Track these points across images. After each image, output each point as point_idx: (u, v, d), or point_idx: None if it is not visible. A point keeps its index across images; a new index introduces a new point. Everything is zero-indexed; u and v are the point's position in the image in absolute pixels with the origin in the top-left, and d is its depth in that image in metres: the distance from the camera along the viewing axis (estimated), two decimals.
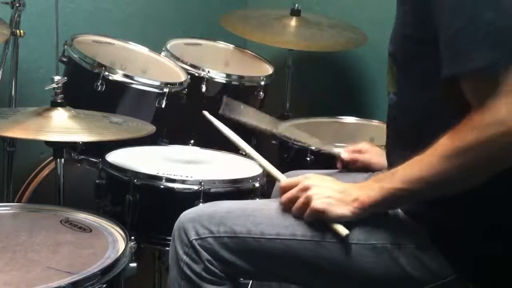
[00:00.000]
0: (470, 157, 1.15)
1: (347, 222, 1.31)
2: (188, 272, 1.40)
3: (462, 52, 1.13)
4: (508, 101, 1.11)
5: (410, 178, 1.22)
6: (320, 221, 1.32)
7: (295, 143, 2.24)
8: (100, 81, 2.10)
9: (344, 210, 1.29)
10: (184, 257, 1.40)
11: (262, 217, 1.40)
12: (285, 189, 1.39)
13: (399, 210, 1.34)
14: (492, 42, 1.11)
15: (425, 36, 1.22)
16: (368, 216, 1.30)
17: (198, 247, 1.39)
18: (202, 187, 1.81)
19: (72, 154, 2.12)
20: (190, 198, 1.80)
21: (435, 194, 1.25)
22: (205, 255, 1.39)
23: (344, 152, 1.74)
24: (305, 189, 1.34)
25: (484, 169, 1.17)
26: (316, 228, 1.35)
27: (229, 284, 1.41)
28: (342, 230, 1.31)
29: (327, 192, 1.32)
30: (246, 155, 1.63)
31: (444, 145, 1.18)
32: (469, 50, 1.12)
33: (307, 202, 1.32)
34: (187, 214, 1.45)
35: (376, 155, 1.69)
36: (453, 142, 1.16)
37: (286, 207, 1.38)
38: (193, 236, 1.40)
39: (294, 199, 1.36)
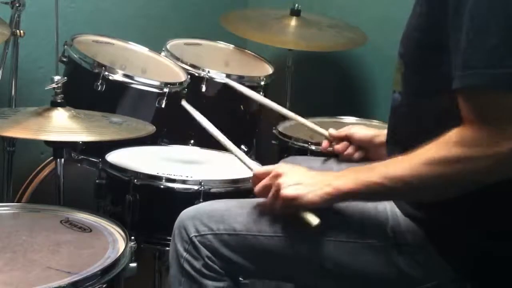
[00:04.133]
0: (452, 169, 1.16)
1: (320, 210, 1.31)
2: (188, 268, 1.41)
3: (472, 66, 1.12)
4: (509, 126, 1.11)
5: (389, 175, 1.21)
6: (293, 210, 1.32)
7: (295, 143, 2.24)
8: (100, 81, 2.10)
9: (315, 196, 1.28)
10: (184, 253, 1.41)
11: (261, 215, 1.40)
12: (257, 178, 1.39)
13: (397, 210, 1.34)
14: (503, 63, 1.10)
15: (435, 42, 1.22)
16: (340, 202, 1.32)
17: (198, 243, 1.40)
18: (202, 187, 1.81)
19: (72, 154, 2.12)
20: (190, 198, 1.80)
21: (410, 196, 1.26)
22: (205, 251, 1.39)
23: (331, 130, 1.76)
24: (276, 176, 1.34)
25: (463, 183, 1.18)
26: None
27: (229, 281, 1.42)
28: (312, 219, 1.30)
29: (298, 178, 1.31)
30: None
31: (429, 151, 1.18)
32: (479, 66, 1.11)
33: (278, 190, 1.32)
34: (187, 212, 1.46)
35: (359, 129, 1.70)
36: (439, 151, 1.16)
37: (260, 196, 1.38)
38: (193, 233, 1.41)
39: (266, 188, 1.35)
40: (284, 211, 1.34)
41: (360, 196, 1.28)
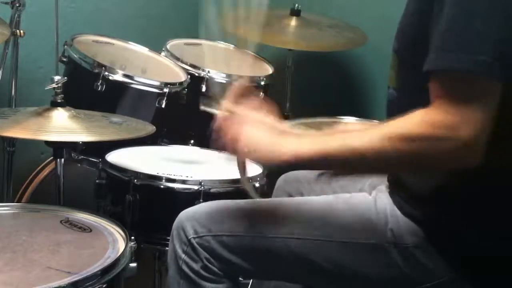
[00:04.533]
0: (408, 147, 1.14)
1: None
2: (186, 270, 1.41)
3: (447, 50, 1.12)
4: (480, 110, 1.10)
5: (347, 146, 1.18)
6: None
7: None
8: (100, 81, 2.10)
9: (270, 162, 1.26)
10: (183, 255, 1.41)
11: (260, 216, 1.40)
12: (222, 127, 1.33)
13: (397, 210, 1.34)
14: (480, 49, 1.10)
15: (426, 37, 1.22)
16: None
17: (196, 245, 1.39)
18: (202, 187, 1.81)
19: (72, 154, 2.12)
20: (190, 198, 1.80)
21: (366, 170, 1.27)
22: (203, 253, 1.39)
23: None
24: (235, 140, 1.28)
25: (419, 164, 1.17)
26: (314, 226, 1.35)
27: (228, 283, 1.42)
28: (254, 195, 1.35)
29: (253, 145, 1.26)
30: None
31: (389, 127, 1.17)
32: (453, 50, 1.12)
33: (236, 144, 1.28)
34: (186, 213, 1.46)
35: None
36: (399, 127, 1.15)
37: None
38: (191, 234, 1.40)
39: (225, 136, 1.31)
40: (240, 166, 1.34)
41: (318, 164, 1.28)
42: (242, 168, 1.34)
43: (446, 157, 1.13)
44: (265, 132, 1.29)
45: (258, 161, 1.30)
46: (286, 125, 1.36)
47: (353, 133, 1.23)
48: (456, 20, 1.12)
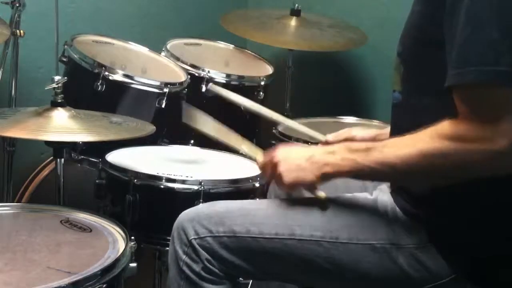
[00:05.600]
0: (443, 162, 1.17)
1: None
2: (187, 271, 1.41)
3: (467, 64, 1.13)
4: (508, 120, 1.11)
5: (384, 161, 1.23)
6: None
7: (295, 143, 2.24)
8: (100, 81, 2.10)
9: (314, 177, 1.32)
10: (184, 256, 1.41)
11: (261, 216, 1.40)
12: (262, 169, 1.45)
13: (398, 210, 1.34)
14: (500, 60, 1.10)
15: (432, 40, 1.22)
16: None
17: (197, 246, 1.39)
18: (202, 187, 1.81)
19: (72, 154, 2.12)
20: (190, 198, 1.80)
21: (400, 182, 1.31)
22: (204, 254, 1.39)
23: (329, 136, 1.73)
24: (275, 166, 1.37)
25: (453, 176, 1.20)
26: (314, 227, 1.35)
27: (228, 284, 1.42)
28: (320, 194, 1.38)
29: (295, 162, 1.35)
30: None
31: (423, 142, 1.19)
32: (473, 63, 1.12)
33: (280, 179, 1.35)
34: (186, 214, 1.46)
35: (358, 131, 1.70)
36: (433, 143, 1.17)
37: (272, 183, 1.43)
38: (192, 235, 1.40)
39: (271, 178, 1.41)
40: (293, 191, 1.41)
41: (355, 177, 1.32)
42: (312, 190, 1.39)
43: (483, 168, 1.16)
44: (300, 156, 1.35)
45: (304, 186, 1.37)
46: (315, 146, 1.41)
47: (388, 148, 1.25)
48: (472, 32, 1.12)
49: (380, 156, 1.24)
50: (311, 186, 1.36)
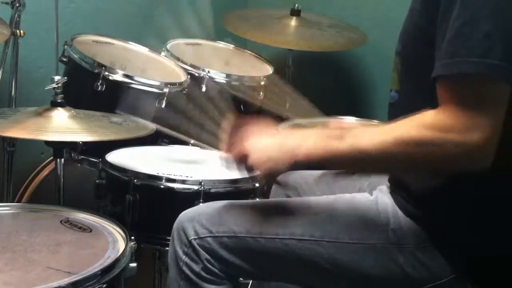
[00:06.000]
0: (419, 151, 1.15)
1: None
2: (187, 271, 1.41)
3: (455, 55, 1.13)
4: (491, 113, 1.11)
5: (357, 147, 1.20)
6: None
7: None
8: (100, 81, 2.10)
9: (285, 165, 1.29)
10: (184, 257, 1.41)
11: (261, 216, 1.40)
12: (234, 161, 1.37)
13: (398, 210, 1.34)
14: (491, 53, 1.10)
15: (431, 40, 1.22)
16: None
17: (197, 246, 1.39)
18: (202, 187, 1.81)
19: (72, 154, 2.12)
20: (190, 198, 1.80)
21: (375, 171, 1.30)
22: (204, 254, 1.39)
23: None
24: (245, 158, 1.32)
25: (430, 167, 1.18)
26: (314, 227, 1.35)
27: (228, 284, 1.42)
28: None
29: (265, 154, 1.30)
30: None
31: (400, 130, 1.17)
32: (462, 54, 1.12)
33: (251, 170, 1.33)
34: (186, 214, 1.46)
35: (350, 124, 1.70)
36: (410, 131, 1.16)
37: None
38: (192, 236, 1.40)
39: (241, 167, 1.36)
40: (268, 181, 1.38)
41: (328, 164, 1.31)
42: (273, 181, 1.38)
43: (457, 160, 1.14)
44: (271, 139, 1.32)
45: (271, 169, 1.31)
46: (286, 131, 1.38)
47: (363, 134, 1.23)
48: (464, 24, 1.12)
49: (354, 142, 1.21)
50: (281, 173, 1.35)
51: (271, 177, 1.36)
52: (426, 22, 1.24)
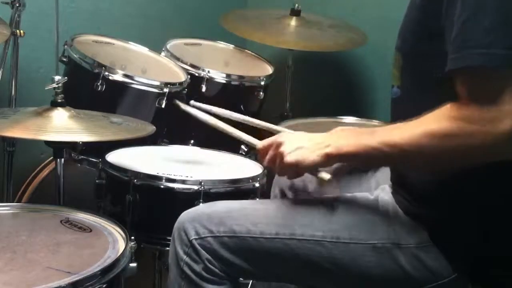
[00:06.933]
0: (451, 143, 1.16)
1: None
2: (188, 271, 1.41)
3: (463, 48, 1.13)
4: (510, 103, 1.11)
5: (388, 142, 1.23)
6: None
7: None
8: (100, 81, 2.10)
9: (316, 157, 1.30)
10: (184, 256, 1.41)
11: (261, 216, 1.40)
12: (262, 152, 1.41)
13: (399, 210, 1.34)
14: (499, 43, 1.11)
15: (432, 32, 1.22)
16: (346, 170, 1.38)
17: (198, 246, 1.39)
18: (202, 187, 1.81)
19: (72, 154, 2.12)
20: (190, 198, 1.80)
21: (406, 165, 1.29)
22: (205, 254, 1.39)
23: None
24: (278, 146, 1.35)
25: (460, 158, 1.18)
26: (315, 227, 1.35)
27: (229, 284, 1.42)
28: (324, 175, 1.34)
29: (297, 143, 1.33)
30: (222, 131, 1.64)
31: (430, 123, 1.18)
32: (467, 47, 1.13)
33: (282, 158, 1.34)
34: (187, 214, 1.46)
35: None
36: (440, 124, 1.17)
37: (270, 169, 1.41)
38: (193, 235, 1.40)
39: (272, 159, 1.38)
40: (294, 175, 1.37)
41: (359, 159, 1.31)
42: (315, 175, 1.37)
43: (486, 150, 1.15)
44: (303, 138, 1.34)
45: (305, 167, 1.33)
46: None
47: (394, 130, 1.25)
48: (468, 18, 1.12)
49: (384, 136, 1.24)
50: (313, 167, 1.33)
51: (301, 170, 1.35)
52: (425, 15, 1.24)
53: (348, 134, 1.31)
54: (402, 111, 1.28)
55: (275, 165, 1.37)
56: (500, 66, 1.11)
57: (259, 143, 1.45)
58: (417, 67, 1.29)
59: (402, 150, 1.21)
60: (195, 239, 1.40)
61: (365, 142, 1.25)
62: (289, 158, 1.32)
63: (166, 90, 2.17)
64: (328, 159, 1.30)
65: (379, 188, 1.42)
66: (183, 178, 1.85)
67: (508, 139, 1.12)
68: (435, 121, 1.18)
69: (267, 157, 1.39)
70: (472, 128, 1.14)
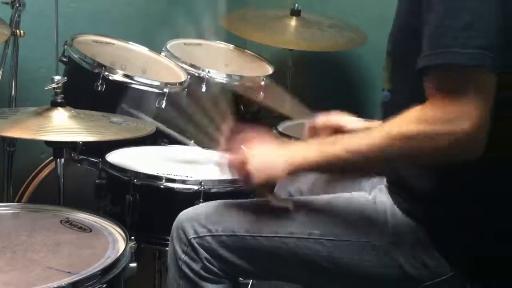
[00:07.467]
0: (409, 145, 1.17)
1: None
2: (187, 271, 1.41)
3: (438, 46, 1.14)
4: (477, 101, 1.11)
5: (350, 149, 1.23)
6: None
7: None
8: (100, 81, 2.10)
9: (280, 173, 1.30)
10: (183, 256, 1.41)
11: (260, 215, 1.40)
12: (232, 167, 1.38)
13: (396, 209, 1.34)
14: (472, 43, 1.11)
15: (418, 35, 1.22)
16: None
17: (196, 245, 1.39)
18: (202, 187, 1.81)
19: (72, 154, 2.12)
20: (190, 198, 1.80)
21: (368, 169, 1.33)
22: (203, 253, 1.39)
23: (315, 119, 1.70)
24: (243, 165, 1.33)
25: (422, 159, 1.19)
26: (313, 226, 1.35)
27: (228, 283, 1.42)
28: (284, 203, 1.38)
29: (261, 160, 1.32)
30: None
31: (389, 126, 1.19)
32: (443, 45, 1.13)
33: (249, 179, 1.33)
34: (186, 214, 1.46)
35: (350, 121, 1.69)
36: (398, 126, 1.18)
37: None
38: (191, 235, 1.40)
39: (242, 177, 1.36)
40: (263, 191, 1.37)
41: (323, 168, 1.32)
42: (269, 192, 1.38)
43: (449, 151, 1.15)
44: (267, 151, 1.33)
45: (273, 182, 1.36)
46: (281, 141, 1.40)
47: (354, 137, 1.26)
48: (445, 16, 1.13)
49: (346, 143, 1.24)
50: (278, 181, 1.35)
51: (268, 185, 1.35)
52: (411, 18, 1.24)
53: (311, 145, 1.31)
54: (391, 114, 1.29)
55: (247, 184, 1.36)
56: (476, 65, 1.11)
57: (222, 160, 1.42)
58: (406, 70, 1.29)
59: (363, 154, 1.21)
60: (194, 238, 1.40)
61: (327, 151, 1.26)
62: (257, 180, 1.32)
63: (166, 90, 2.17)
64: (292, 173, 1.31)
65: (377, 188, 1.43)
66: (183, 178, 1.85)
67: (471, 140, 1.12)
68: (397, 125, 1.18)
69: (238, 174, 1.37)
70: (434, 129, 1.14)
